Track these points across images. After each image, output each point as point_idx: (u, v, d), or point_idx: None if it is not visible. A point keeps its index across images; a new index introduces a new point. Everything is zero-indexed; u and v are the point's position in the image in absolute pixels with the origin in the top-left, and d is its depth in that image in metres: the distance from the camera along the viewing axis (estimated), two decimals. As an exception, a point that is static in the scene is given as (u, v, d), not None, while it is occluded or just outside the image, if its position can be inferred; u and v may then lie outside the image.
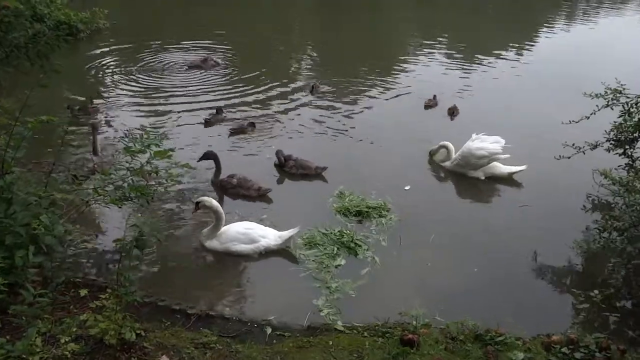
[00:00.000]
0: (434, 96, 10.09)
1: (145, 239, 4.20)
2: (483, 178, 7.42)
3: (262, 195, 6.80)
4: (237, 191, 6.84)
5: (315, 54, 13.19)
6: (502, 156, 7.32)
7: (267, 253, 5.72)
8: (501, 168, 7.42)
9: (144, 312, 4.49)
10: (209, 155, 7.10)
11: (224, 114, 9.10)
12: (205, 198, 5.87)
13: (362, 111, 9.74)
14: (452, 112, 9.51)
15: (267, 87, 10.64)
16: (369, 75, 11.62)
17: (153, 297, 4.71)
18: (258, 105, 9.79)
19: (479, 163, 7.35)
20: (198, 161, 7.07)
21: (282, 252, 5.75)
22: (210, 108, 9.45)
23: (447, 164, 7.71)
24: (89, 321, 3.70)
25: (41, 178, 4.83)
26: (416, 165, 7.84)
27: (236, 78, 11.16)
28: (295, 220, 5.96)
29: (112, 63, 11.95)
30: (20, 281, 3.91)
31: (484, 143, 7.37)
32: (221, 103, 9.76)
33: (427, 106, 9.96)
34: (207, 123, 8.91)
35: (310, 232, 5.95)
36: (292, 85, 10.84)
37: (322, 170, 7.36)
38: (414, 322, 4.47)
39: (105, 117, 8.84)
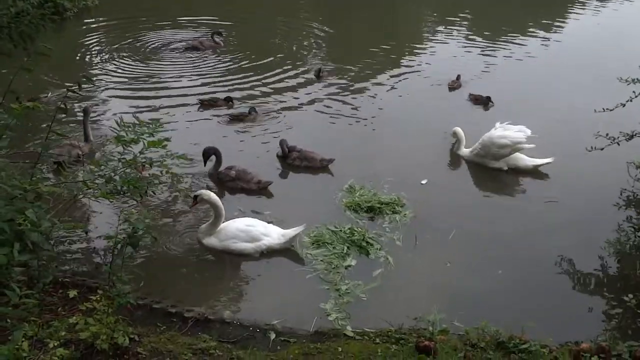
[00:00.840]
0: (458, 76, 10.08)
1: (139, 236, 4.25)
2: (506, 169, 7.41)
3: (262, 189, 6.82)
4: (235, 184, 6.86)
5: (323, 35, 13.13)
6: (526, 146, 7.30)
7: (271, 252, 5.74)
8: (525, 160, 7.40)
9: (138, 315, 4.53)
10: (209, 152, 7.08)
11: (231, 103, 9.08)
12: (204, 191, 5.90)
13: (374, 96, 9.72)
14: (486, 101, 9.28)
15: (270, 71, 10.62)
16: (382, 57, 11.57)
17: (147, 299, 4.75)
18: (260, 90, 9.80)
19: (499, 153, 7.34)
20: (205, 165, 7.10)
21: (286, 251, 5.77)
22: (207, 93, 9.47)
23: (466, 152, 7.72)
24: (78, 324, 3.75)
25: (26, 169, 4.87)
26: (434, 155, 7.82)
27: (237, 61, 11.15)
28: (301, 216, 5.99)
29: (100, 45, 11.97)
30: (4, 281, 3.95)
31: (507, 132, 7.36)
32: (219, 87, 9.77)
33: (451, 88, 9.97)
34: (202, 104, 8.94)
35: (318, 230, 5.96)
36: (298, 69, 10.80)
37: (328, 163, 7.36)
38: (431, 328, 4.49)
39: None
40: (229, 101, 9.05)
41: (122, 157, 4.79)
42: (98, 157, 6.97)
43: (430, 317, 4.60)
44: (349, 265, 5.50)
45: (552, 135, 7.95)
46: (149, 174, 4.95)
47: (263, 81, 10.18)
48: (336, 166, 7.37)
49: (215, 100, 9.08)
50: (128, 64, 10.91)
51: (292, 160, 7.43)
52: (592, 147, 6.16)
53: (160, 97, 9.47)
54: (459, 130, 7.77)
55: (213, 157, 7.09)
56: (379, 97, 9.67)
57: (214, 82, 10.09)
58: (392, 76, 10.62)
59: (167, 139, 4.91)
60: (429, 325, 4.52)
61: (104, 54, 11.45)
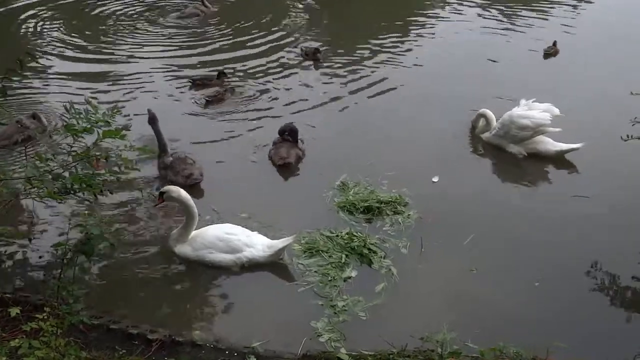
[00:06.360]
0: (554, 43, 10.41)
1: (94, 242, 4.23)
2: (521, 156, 7.49)
3: (190, 185, 6.64)
4: (165, 174, 6.80)
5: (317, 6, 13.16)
6: (551, 129, 7.38)
7: (254, 265, 5.71)
8: (547, 144, 7.47)
9: (92, 337, 4.53)
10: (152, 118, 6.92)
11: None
12: (172, 187, 5.86)
13: (374, 73, 9.75)
14: None
15: (255, 46, 10.73)
16: (387, 27, 11.55)
17: (104, 318, 4.75)
18: (242, 68, 9.89)
19: (520, 135, 7.43)
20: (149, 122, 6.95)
21: (274, 262, 5.72)
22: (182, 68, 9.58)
23: (487, 134, 7.87)
24: (22, 348, 3.72)
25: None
26: (445, 143, 7.81)
27: (214, 33, 11.26)
28: (286, 220, 5.99)
29: (46, 16, 11.89)
30: None
31: (531, 111, 7.45)
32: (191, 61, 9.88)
33: (547, 54, 10.37)
34: (195, 85, 8.92)
35: (311, 236, 5.96)
36: (286, 44, 10.87)
37: (283, 162, 7.19)
38: (439, 350, 4.49)
39: None
40: (222, 77, 9.03)
41: (73, 149, 4.76)
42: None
43: (439, 337, 4.57)
44: (349, 277, 5.50)
45: (582, 118, 8.02)
46: (105, 170, 4.93)
47: (247, 58, 10.28)
48: (326, 159, 7.36)
49: (210, 79, 9.02)
50: (79, 35, 10.89)
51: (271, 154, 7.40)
52: (628, 136, 6.14)
53: (119, 77, 9.46)
54: (488, 112, 7.86)
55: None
56: (380, 71, 9.75)
57: (183, 60, 10.06)
58: (401, 47, 10.67)
59: (127, 128, 4.89)
60: (437, 346, 4.51)
61: (49, 29, 11.37)
